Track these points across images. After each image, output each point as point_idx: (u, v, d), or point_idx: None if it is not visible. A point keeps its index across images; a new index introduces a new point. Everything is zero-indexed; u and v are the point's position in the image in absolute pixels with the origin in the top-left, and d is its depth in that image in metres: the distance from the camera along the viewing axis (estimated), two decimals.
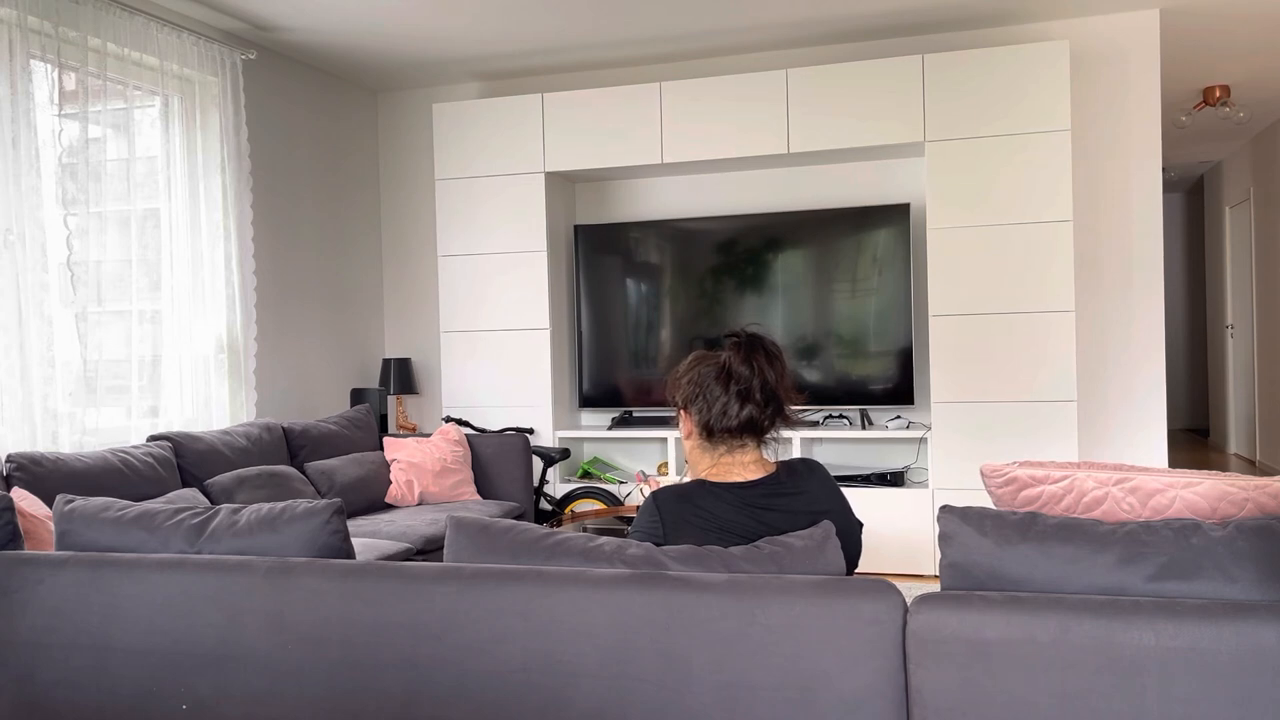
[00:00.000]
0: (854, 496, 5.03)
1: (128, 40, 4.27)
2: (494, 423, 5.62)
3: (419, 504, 4.76)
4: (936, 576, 4.95)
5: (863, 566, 5.04)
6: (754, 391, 2.04)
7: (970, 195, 4.91)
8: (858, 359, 5.31)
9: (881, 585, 1.68)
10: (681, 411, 2.14)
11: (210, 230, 4.72)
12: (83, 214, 4.05)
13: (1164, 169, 9.33)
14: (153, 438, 4.03)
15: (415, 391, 6.04)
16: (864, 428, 5.24)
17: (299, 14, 4.82)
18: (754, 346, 2.05)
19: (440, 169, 5.68)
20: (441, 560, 2.71)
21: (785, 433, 2.12)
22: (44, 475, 3.39)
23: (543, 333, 5.53)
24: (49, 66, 3.98)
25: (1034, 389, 4.84)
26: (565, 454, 5.21)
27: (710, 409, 2.05)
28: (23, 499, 3.03)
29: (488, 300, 5.62)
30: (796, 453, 5.15)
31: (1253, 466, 8.44)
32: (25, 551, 2.18)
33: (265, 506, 2.18)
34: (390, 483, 4.77)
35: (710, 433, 2.07)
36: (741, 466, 2.07)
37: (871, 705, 1.65)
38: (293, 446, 4.62)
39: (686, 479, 2.23)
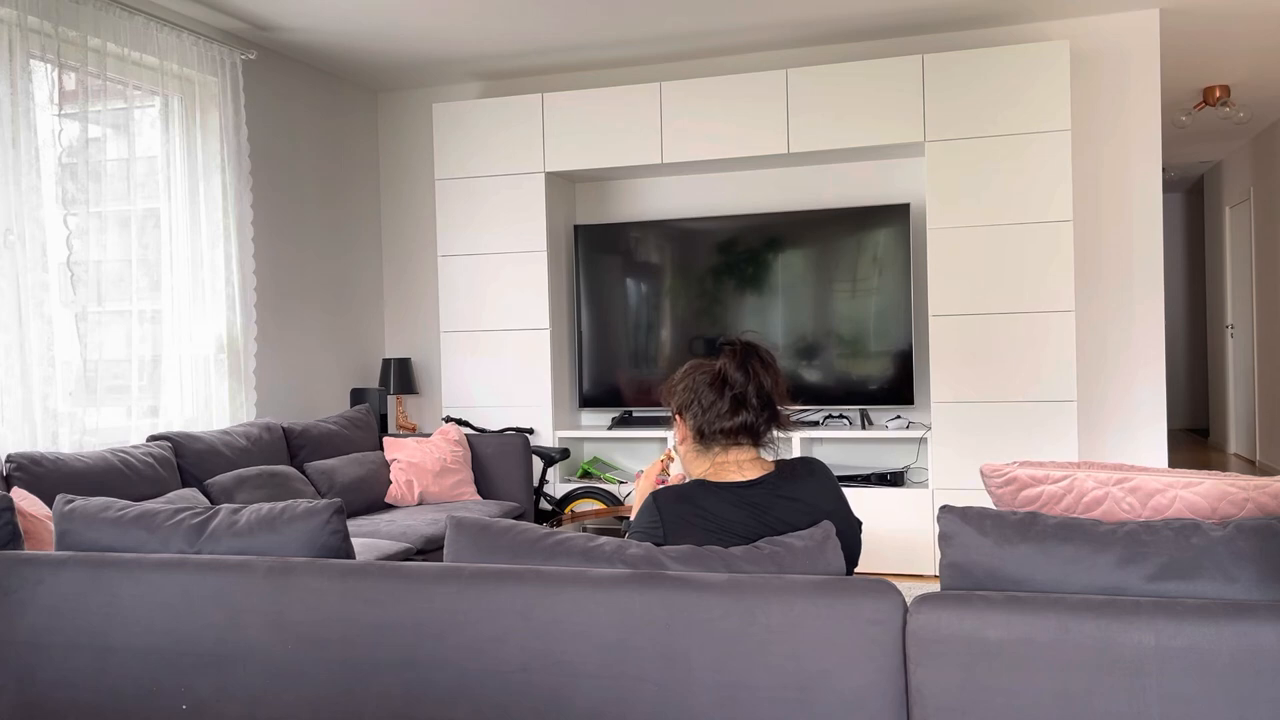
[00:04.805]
0: (854, 496, 5.03)
1: (128, 40, 4.27)
2: (494, 423, 5.62)
3: (419, 504, 4.76)
4: (936, 576, 4.95)
5: (863, 566, 5.04)
6: (749, 397, 2.05)
7: (970, 195, 4.91)
8: (858, 359, 5.31)
9: (881, 585, 1.68)
10: (676, 417, 2.16)
11: (210, 230, 4.72)
12: (83, 214, 4.05)
13: (1164, 169, 9.33)
14: (153, 438, 4.03)
15: (415, 391, 6.04)
16: (864, 428, 5.24)
17: (299, 14, 4.82)
18: (749, 353, 2.07)
19: (440, 169, 5.68)
20: (441, 560, 2.71)
21: (784, 434, 2.14)
22: (44, 475, 3.39)
23: (543, 333, 5.53)
24: (49, 66, 3.98)
25: (1034, 389, 4.84)
26: (565, 454, 5.21)
27: (704, 414, 2.07)
28: (23, 499, 3.03)
29: (488, 300, 5.62)
30: (796, 452, 5.15)
31: (1253, 466, 8.44)
32: (25, 551, 2.18)
33: (265, 506, 2.18)
34: (390, 483, 4.77)
35: (703, 435, 2.08)
36: (738, 466, 2.07)
37: (871, 705, 1.65)
38: (293, 446, 4.62)
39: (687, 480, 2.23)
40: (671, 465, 2.49)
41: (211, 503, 3.96)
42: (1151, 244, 5.17)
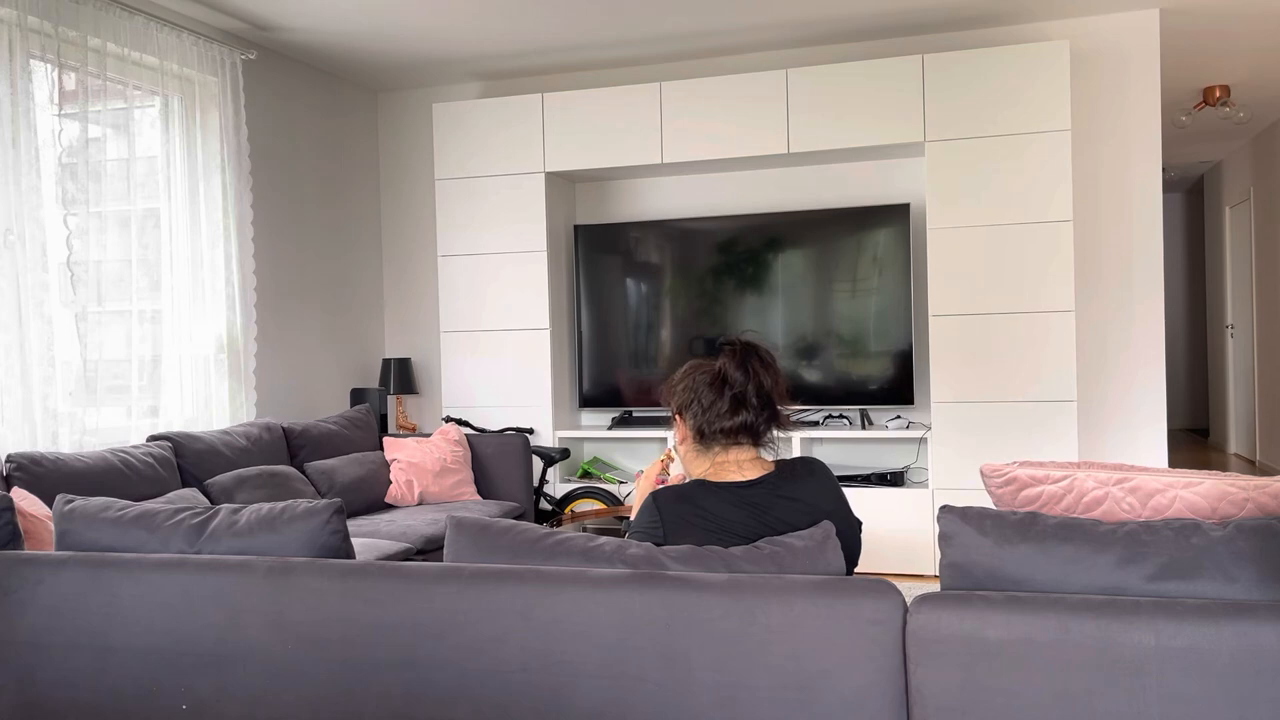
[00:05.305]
0: (854, 496, 5.03)
1: (128, 40, 4.27)
2: (494, 423, 5.62)
3: (419, 504, 4.76)
4: (936, 576, 4.95)
5: (863, 566, 5.04)
6: (749, 396, 2.05)
7: (970, 195, 4.91)
8: (858, 359, 5.31)
9: (881, 585, 1.68)
10: (676, 417, 2.16)
11: (210, 230, 4.72)
12: (83, 214, 4.05)
13: (1164, 169, 9.33)
14: (153, 438, 4.03)
15: (415, 391, 6.04)
16: (864, 428, 5.24)
17: (299, 14, 4.82)
18: (749, 353, 2.08)
19: (440, 169, 5.68)
20: (441, 560, 2.71)
21: (783, 434, 2.14)
22: (44, 475, 3.39)
23: (543, 333, 5.53)
24: (49, 66, 3.98)
25: (1034, 389, 4.84)
26: (565, 454, 5.21)
27: (704, 413, 2.07)
28: (23, 499, 3.03)
29: (488, 300, 5.62)
30: (796, 452, 5.15)
31: (1253, 466, 8.44)
32: (25, 551, 2.18)
33: (265, 506, 2.18)
34: (390, 483, 4.77)
35: (703, 435, 2.08)
36: (738, 466, 2.07)
37: (871, 705, 1.65)
38: (293, 446, 4.62)
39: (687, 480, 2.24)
40: (671, 465, 2.49)
41: (211, 503, 3.96)
42: (1151, 244, 5.17)
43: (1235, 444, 9.23)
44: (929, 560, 4.95)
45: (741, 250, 5.46)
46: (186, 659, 2.01)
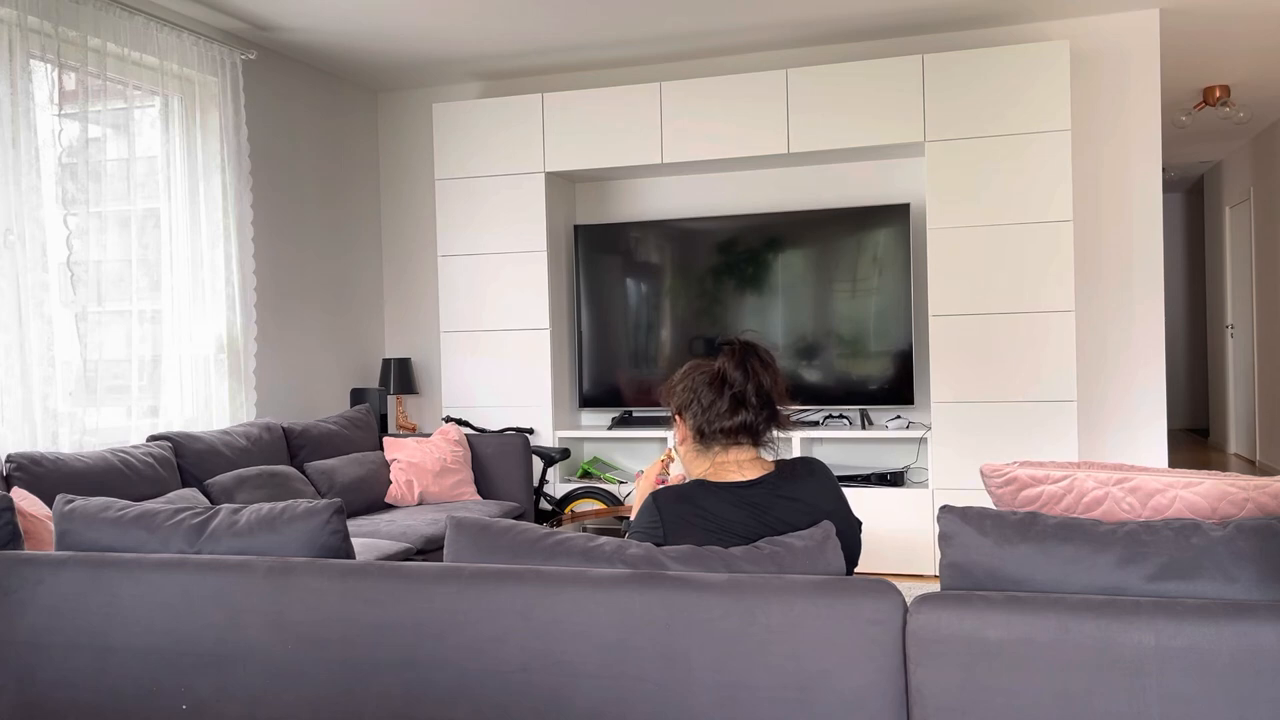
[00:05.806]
0: (854, 496, 5.03)
1: (128, 40, 4.27)
2: (494, 423, 5.62)
3: (419, 504, 4.76)
4: (936, 576, 4.95)
5: (862, 566, 5.04)
6: (748, 396, 2.05)
7: (970, 195, 4.91)
8: (858, 359, 5.31)
9: (881, 585, 1.68)
10: (676, 417, 2.16)
11: (210, 230, 4.72)
12: (83, 214, 4.05)
13: (1164, 169, 9.33)
14: (153, 438, 4.03)
15: (415, 391, 6.04)
16: (864, 428, 5.23)
17: (299, 14, 4.82)
18: (748, 353, 2.08)
19: (440, 169, 5.68)
20: (441, 560, 2.71)
21: (783, 433, 2.14)
22: (44, 475, 3.39)
23: (543, 333, 5.53)
24: (49, 66, 3.98)
25: (1034, 389, 4.84)
26: (565, 454, 5.21)
27: (704, 413, 2.07)
28: (23, 499, 3.03)
29: (488, 300, 5.62)
30: (796, 452, 5.15)
31: (1253, 466, 8.44)
32: (25, 551, 2.18)
33: (265, 506, 2.18)
34: (390, 483, 4.77)
35: (703, 435, 2.08)
36: (738, 466, 2.07)
37: (871, 705, 1.65)
38: (293, 446, 4.62)
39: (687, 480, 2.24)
40: (671, 465, 2.49)
41: (211, 503, 3.96)
42: (1151, 244, 5.17)
43: (1235, 444, 9.23)
44: (929, 560, 4.95)
45: (741, 250, 5.46)
46: (186, 659, 2.01)
